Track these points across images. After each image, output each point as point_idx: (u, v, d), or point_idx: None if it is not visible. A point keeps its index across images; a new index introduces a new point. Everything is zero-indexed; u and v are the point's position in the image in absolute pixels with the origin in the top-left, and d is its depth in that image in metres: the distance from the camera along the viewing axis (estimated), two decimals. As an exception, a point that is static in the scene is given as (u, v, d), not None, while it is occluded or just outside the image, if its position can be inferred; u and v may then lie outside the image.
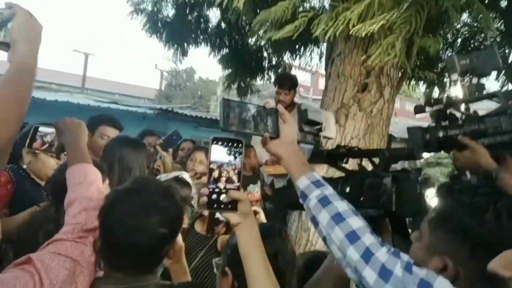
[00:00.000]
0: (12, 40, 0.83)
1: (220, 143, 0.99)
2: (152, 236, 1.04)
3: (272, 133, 1.07)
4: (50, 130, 1.45)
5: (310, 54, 4.53)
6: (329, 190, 1.00)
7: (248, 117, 1.04)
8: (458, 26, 3.86)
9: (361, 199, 1.07)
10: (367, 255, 0.87)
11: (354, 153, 1.31)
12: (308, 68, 5.04)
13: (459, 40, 3.96)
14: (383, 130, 2.86)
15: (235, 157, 1.00)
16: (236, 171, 1.00)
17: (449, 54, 3.82)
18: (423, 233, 0.93)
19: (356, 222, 0.93)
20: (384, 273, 0.84)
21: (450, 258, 0.85)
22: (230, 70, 5.19)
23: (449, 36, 3.83)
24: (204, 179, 3.06)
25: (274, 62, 5.17)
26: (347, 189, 1.12)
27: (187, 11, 4.69)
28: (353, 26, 1.94)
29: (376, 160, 1.20)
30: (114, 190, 1.17)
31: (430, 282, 0.80)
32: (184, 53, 5.13)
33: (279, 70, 5.18)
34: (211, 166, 0.98)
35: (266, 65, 5.17)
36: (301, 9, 2.74)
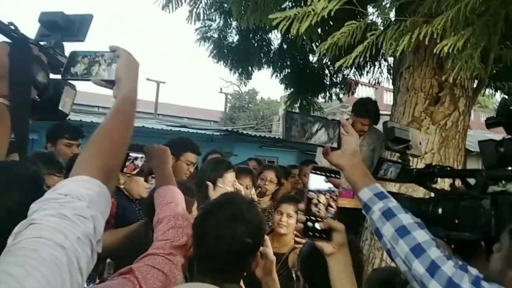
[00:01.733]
0: (117, 78, 0.94)
1: (318, 172, 1.03)
2: (238, 244, 1.12)
3: (333, 144, 1.08)
4: (139, 155, 1.60)
5: (380, 68, 4.42)
6: (393, 203, 0.99)
7: (310, 129, 1.06)
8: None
9: (456, 221, 1.03)
10: (433, 269, 0.86)
11: (447, 173, 1.26)
12: (372, 83, 4.92)
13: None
14: (459, 143, 2.71)
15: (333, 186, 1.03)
16: (333, 198, 1.03)
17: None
18: (503, 243, 0.90)
19: (422, 235, 0.91)
20: (451, 287, 0.82)
21: None
22: (292, 90, 5.27)
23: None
24: (266, 198, 3.08)
25: (335, 79, 5.16)
26: (440, 211, 1.08)
27: (250, 36, 4.87)
28: (430, 38, 1.89)
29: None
30: (206, 203, 1.29)
31: None
32: (249, 77, 5.32)
33: (340, 86, 5.15)
34: (310, 194, 1.01)
35: (328, 82, 5.17)
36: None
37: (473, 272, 0.83)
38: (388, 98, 13.13)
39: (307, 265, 1.28)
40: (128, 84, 0.93)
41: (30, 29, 1.05)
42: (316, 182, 1.03)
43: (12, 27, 0.92)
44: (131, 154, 1.70)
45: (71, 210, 0.64)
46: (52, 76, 1.02)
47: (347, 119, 3.53)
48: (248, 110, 23.95)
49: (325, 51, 2.17)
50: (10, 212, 0.72)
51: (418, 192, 2.12)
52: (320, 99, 5.49)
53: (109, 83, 0.96)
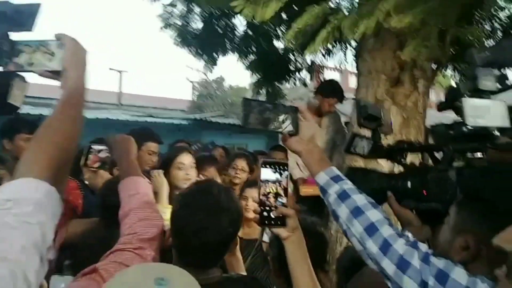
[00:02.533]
0: (63, 68, 0.89)
1: (268, 166, 1.09)
2: (221, 235, 1.13)
3: (291, 130, 1.12)
4: (102, 147, 1.54)
5: (345, 51, 4.46)
6: (348, 185, 1.03)
7: (268, 116, 1.10)
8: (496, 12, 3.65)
9: (424, 193, 1.07)
10: (385, 247, 0.89)
11: (416, 148, 1.30)
12: (338, 67, 4.97)
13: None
14: (419, 123, 2.81)
15: (281, 174, 1.09)
16: (283, 187, 1.09)
17: (490, 44, 3.61)
18: (451, 215, 0.94)
19: (375, 215, 0.95)
20: (402, 264, 0.85)
21: (473, 237, 0.85)
22: (258, 76, 5.25)
23: (487, 25, 3.63)
24: (237, 187, 3.10)
25: (301, 65, 5.17)
26: (408, 184, 1.12)
27: (215, 22, 4.79)
28: (389, 17, 1.90)
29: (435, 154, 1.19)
30: (181, 193, 1.25)
31: (448, 273, 0.81)
32: (214, 63, 5.25)
33: (305, 71, 5.18)
34: (262, 186, 1.07)
35: (293, 68, 5.18)
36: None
37: (423, 249, 0.87)
38: (353, 82, 13.33)
39: (275, 249, 1.32)
40: (75, 74, 0.88)
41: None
42: (268, 174, 1.09)
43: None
44: (93, 146, 1.64)
45: (14, 216, 0.58)
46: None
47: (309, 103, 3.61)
48: (216, 98, 23.67)
49: (291, 41, 2.16)
50: None
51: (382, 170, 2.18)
52: (287, 85, 5.50)
53: (56, 74, 0.92)
